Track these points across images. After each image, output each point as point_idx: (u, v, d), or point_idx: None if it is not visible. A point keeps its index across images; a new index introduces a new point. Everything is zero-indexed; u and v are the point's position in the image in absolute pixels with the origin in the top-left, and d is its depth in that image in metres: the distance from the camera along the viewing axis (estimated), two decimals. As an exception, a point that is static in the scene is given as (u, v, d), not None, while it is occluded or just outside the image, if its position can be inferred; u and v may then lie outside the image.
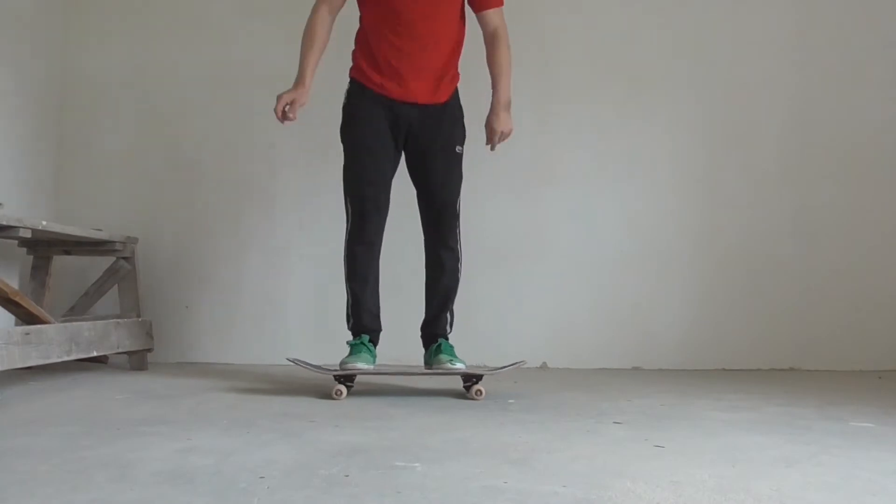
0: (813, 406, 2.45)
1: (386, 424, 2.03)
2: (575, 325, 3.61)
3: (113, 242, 3.17)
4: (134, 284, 3.29)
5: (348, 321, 2.69)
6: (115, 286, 3.31)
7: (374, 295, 2.69)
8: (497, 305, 3.64)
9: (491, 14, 2.70)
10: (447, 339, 2.72)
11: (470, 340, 3.50)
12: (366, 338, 2.64)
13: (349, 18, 2.74)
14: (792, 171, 3.68)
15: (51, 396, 2.48)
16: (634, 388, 2.89)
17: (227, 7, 3.75)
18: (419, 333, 2.78)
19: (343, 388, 2.48)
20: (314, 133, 3.41)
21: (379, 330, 2.73)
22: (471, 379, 2.57)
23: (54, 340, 2.53)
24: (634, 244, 3.66)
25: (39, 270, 3.25)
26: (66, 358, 2.61)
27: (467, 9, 2.74)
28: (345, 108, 2.70)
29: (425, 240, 2.73)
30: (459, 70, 2.74)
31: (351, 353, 2.60)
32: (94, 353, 2.85)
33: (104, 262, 3.34)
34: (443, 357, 2.63)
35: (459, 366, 2.58)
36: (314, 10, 2.65)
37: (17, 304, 2.74)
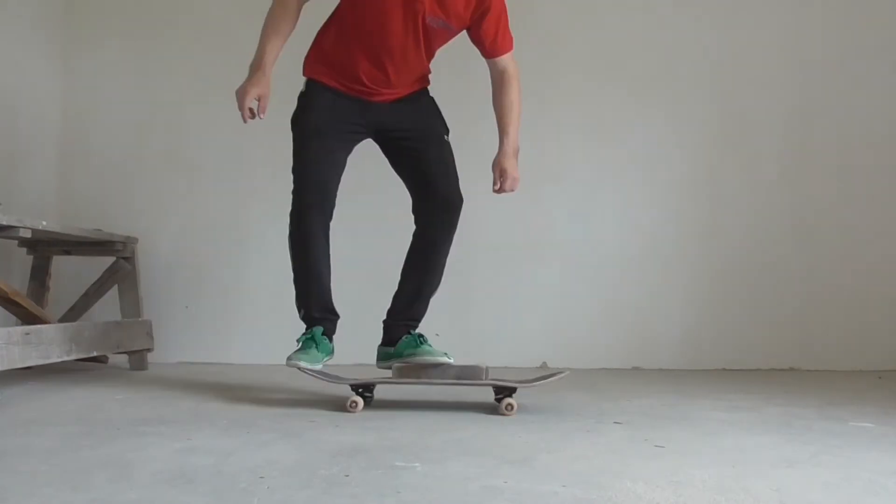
0: (813, 406, 2.45)
1: (386, 424, 2.03)
2: (575, 325, 3.61)
3: (113, 242, 3.17)
4: (134, 284, 3.29)
5: (298, 311, 2.48)
6: (115, 286, 3.31)
7: (325, 281, 2.45)
8: (497, 305, 3.64)
9: (503, 59, 2.49)
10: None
11: (470, 340, 3.51)
12: (319, 330, 2.41)
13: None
14: (792, 171, 3.68)
15: (51, 396, 2.47)
16: (634, 388, 2.89)
17: (227, 7, 3.75)
18: (424, 321, 2.54)
19: (359, 401, 2.25)
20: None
21: (334, 318, 2.49)
22: (502, 391, 2.31)
23: (54, 340, 2.53)
24: (635, 244, 3.66)
25: (39, 270, 3.25)
26: (66, 358, 2.61)
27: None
28: (302, 96, 2.50)
29: (421, 225, 2.50)
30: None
31: (299, 349, 2.37)
32: (94, 353, 2.85)
33: (104, 262, 3.34)
34: (428, 350, 2.36)
35: (451, 360, 2.35)
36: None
37: (17, 304, 2.75)
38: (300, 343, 2.39)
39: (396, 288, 2.53)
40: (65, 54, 3.72)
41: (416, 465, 1.57)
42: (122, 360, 3.30)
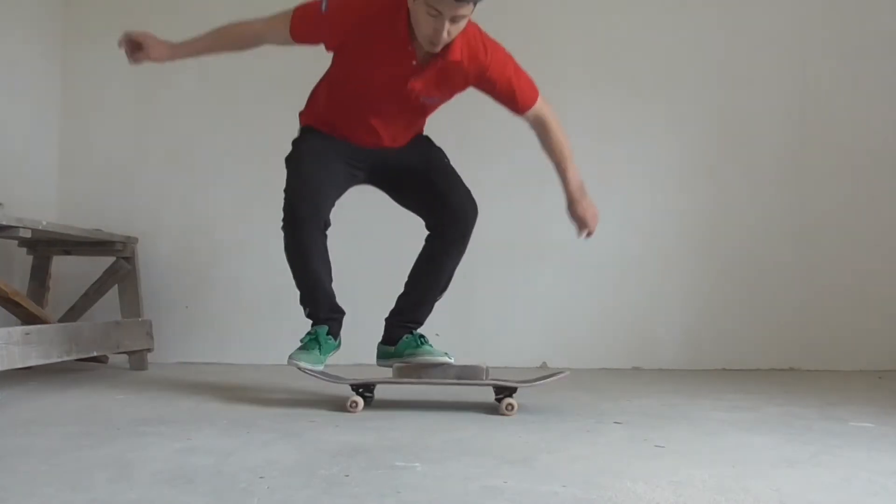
0: (813, 406, 2.45)
1: (386, 424, 2.03)
2: (575, 325, 3.61)
3: (113, 242, 3.17)
4: (134, 284, 3.29)
5: (304, 310, 2.45)
6: (115, 286, 3.31)
7: (327, 283, 2.43)
8: (497, 305, 3.64)
9: (534, 109, 2.43)
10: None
11: (470, 340, 3.51)
12: (323, 330, 2.38)
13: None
14: (792, 171, 3.68)
15: (51, 396, 2.47)
16: (635, 388, 2.89)
17: (227, 7, 3.74)
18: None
19: (359, 400, 2.25)
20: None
21: (339, 316, 2.46)
22: (502, 391, 2.31)
23: (54, 340, 2.53)
24: (635, 245, 3.66)
25: (39, 270, 3.25)
26: (66, 358, 2.61)
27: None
28: (296, 140, 2.48)
29: (435, 234, 2.48)
30: None
31: (301, 348, 2.35)
32: (94, 353, 2.85)
33: (104, 262, 3.34)
34: (429, 350, 2.36)
35: (451, 360, 2.34)
36: (251, 26, 2.38)
37: (17, 304, 2.75)
38: (303, 342, 2.38)
39: (402, 290, 2.53)
40: (64, 54, 3.72)
41: (416, 465, 1.57)
42: (122, 360, 3.30)
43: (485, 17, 3.63)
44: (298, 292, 2.44)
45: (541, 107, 2.43)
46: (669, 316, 3.64)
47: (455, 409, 2.34)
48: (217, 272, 3.66)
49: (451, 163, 2.53)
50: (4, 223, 2.35)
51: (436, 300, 2.54)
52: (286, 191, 2.37)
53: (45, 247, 3.21)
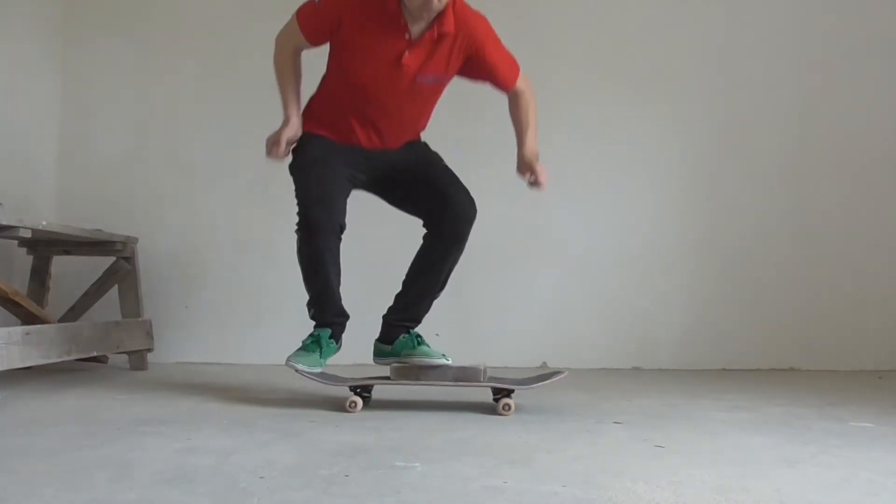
0: (813, 406, 2.45)
1: (386, 424, 2.03)
2: (575, 325, 3.61)
3: (113, 242, 3.17)
4: (134, 284, 3.29)
5: (308, 311, 2.46)
6: (115, 286, 3.31)
7: (336, 289, 2.43)
8: (497, 305, 3.64)
9: (519, 83, 2.46)
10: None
11: (470, 340, 3.51)
12: (326, 333, 2.38)
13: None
14: (792, 171, 3.68)
15: (51, 396, 2.47)
16: (635, 388, 2.89)
17: (227, 7, 3.75)
18: (423, 321, 2.53)
19: (358, 401, 2.26)
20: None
21: (343, 320, 2.46)
22: (500, 392, 2.32)
23: (54, 340, 2.53)
24: (635, 244, 3.66)
25: (39, 270, 3.25)
26: (66, 358, 2.61)
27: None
28: (296, 147, 2.46)
29: (434, 233, 2.48)
30: None
31: (300, 350, 2.36)
32: (94, 353, 2.85)
33: (104, 262, 3.34)
34: (426, 351, 2.37)
35: (449, 361, 2.34)
36: (283, 46, 2.43)
37: (17, 304, 2.75)
38: (304, 343, 2.38)
39: (400, 288, 2.53)
40: (64, 54, 3.71)
41: (416, 465, 1.57)
42: (122, 360, 3.30)
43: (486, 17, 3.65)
44: (307, 294, 2.44)
45: (523, 80, 2.47)
46: (669, 316, 3.63)
47: (455, 409, 2.34)
48: (217, 272, 3.66)
49: (450, 166, 2.53)
50: (4, 223, 2.35)
51: (434, 299, 2.54)
52: (299, 197, 2.38)
53: (45, 247, 3.21)
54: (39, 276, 3.24)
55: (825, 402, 2.54)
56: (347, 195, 2.44)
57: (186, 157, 3.70)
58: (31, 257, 3.26)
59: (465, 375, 2.34)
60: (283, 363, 2.33)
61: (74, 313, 3.28)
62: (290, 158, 2.44)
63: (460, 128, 3.40)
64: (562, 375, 2.39)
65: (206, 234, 3.67)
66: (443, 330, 3.56)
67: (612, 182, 3.69)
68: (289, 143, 2.39)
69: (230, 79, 3.70)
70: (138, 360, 3.25)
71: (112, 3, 3.76)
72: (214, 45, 3.71)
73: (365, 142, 2.44)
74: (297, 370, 2.30)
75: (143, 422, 2.02)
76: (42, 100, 3.60)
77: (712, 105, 3.70)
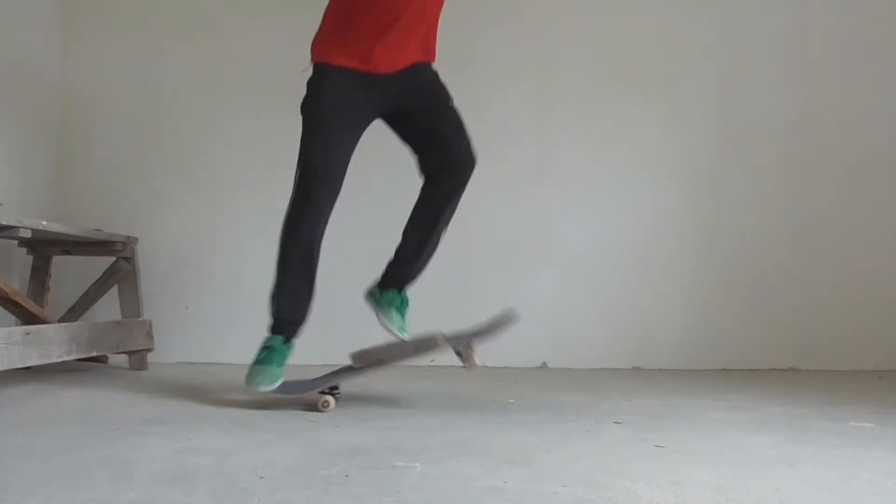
0: (813, 406, 2.45)
1: (386, 424, 2.03)
2: (575, 325, 3.61)
3: (113, 242, 3.17)
4: (134, 284, 3.29)
5: (273, 308, 2.42)
6: (115, 286, 3.31)
7: (314, 289, 2.42)
8: (497, 305, 3.62)
9: None
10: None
11: (470, 340, 3.51)
12: (280, 340, 2.38)
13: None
14: (793, 171, 3.68)
15: (51, 396, 2.47)
16: (634, 388, 2.89)
17: (227, 7, 3.75)
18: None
19: (330, 400, 2.29)
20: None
21: (302, 322, 2.43)
22: (459, 345, 2.36)
23: (54, 340, 2.53)
24: (635, 244, 3.66)
25: (39, 270, 3.25)
26: (66, 358, 2.61)
27: None
28: (311, 83, 2.42)
29: (432, 184, 2.47)
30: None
31: (257, 365, 2.36)
32: (94, 353, 2.85)
33: (104, 262, 3.34)
34: (392, 319, 2.40)
35: (405, 336, 2.39)
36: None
37: (17, 304, 2.74)
38: (259, 359, 2.37)
39: (398, 245, 2.51)
40: (64, 53, 3.72)
41: (416, 465, 1.57)
42: (122, 360, 3.30)
43: (484, 16, 3.65)
44: (277, 288, 2.40)
45: None
46: (669, 316, 3.63)
47: (455, 408, 2.34)
48: (217, 272, 3.66)
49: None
50: (4, 223, 2.35)
51: (430, 257, 2.52)
52: (303, 161, 2.36)
53: (45, 247, 3.21)
54: (39, 276, 3.24)
55: (825, 402, 2.54)
56: (350, 157, 2.41)
57: (186, 157, 3.70)
58: (31, 257, 3.26)
59: (423, 346, 2.36)
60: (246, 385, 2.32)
61: (74, 313, 3.28)
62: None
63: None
64: (511, 319, 2.42)
65: (206, 234, 3.67)
66: (443, 329, 3.56)
67: (612, 182, 3.69)
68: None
69: (230, 79, 3.70)
70: (138, 360, 3.25)
71: (112, 2, 3.76)
72: (214, 45, 3.71)
73: (383, 59, 2.38)
74: (261, 391, 2.31)
75: (143, 422, 2.02)
76: (42, 99, 3.60)
77: (712, 105, 3.70)
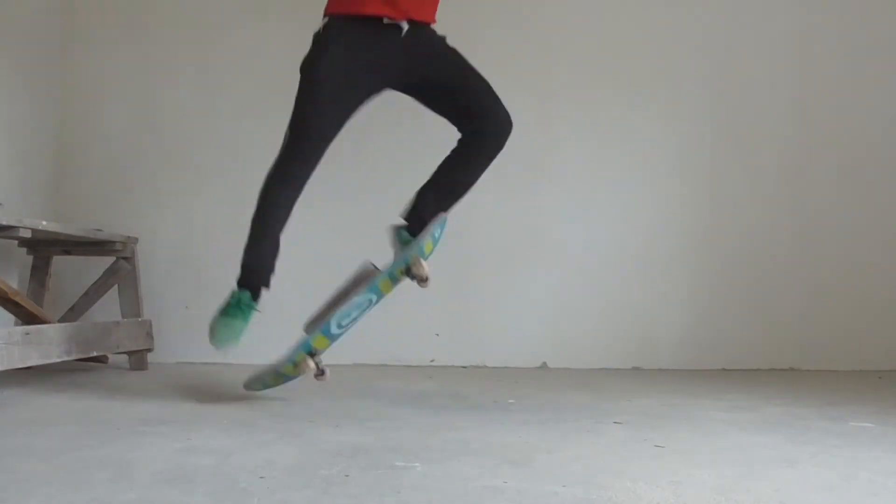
0: (813, 406, 2.45)
1: (386, 424, 2.03)
2: (575, 325, 3.61)
3: (113, 242, 3.17)
4: (134, 284, 3.29)
5: (244, 268, 2.49)
6: (115, 286, 3.32)
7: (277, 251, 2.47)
8: (497, 305, 3.64)
9: None
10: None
11: (470, 340, 3.51)
12: (247, 295, 2.43)
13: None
14: (793, 170, 3.68)
15: (51, 396, 2.47)
16: (634, 388, 2.89)
17: (227, 7, 3.75)
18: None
19: (323, 368, 2.37)
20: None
21: (266, 285, 2.48)
22: (409, 272, 2.40)
23: (54, 340, 2.53)
24: (635, 244, 3.66)
25: (39, 270, 3.25)
26: (66, 358, 2.61)
27: None
28: (317, 39, 2.38)
29: (473, 142, 2.47)
30: None
31: (225, 318, 2.40)
32: (94, 353, 2.85)
33: (104, 262, 3.34)
34: (391, 272, 2.41)
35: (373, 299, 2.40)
36: None
37: (17, 304, 2.74)
38: (227, 310, 2.41)
39: (425, 183, 2.50)
40: (64, 53, 3.71)
41: (416, 465, 1.57)
42: (122, 360, 3.30)
43: (483, 16, 3.65)
44: (248, 251, 2.47)
45: None
46: (669, 316, 3.63)
47: (455, 408, 2.34)
48: (217, 272, 3.64)
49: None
50: (4, 223, 2.35)
51: (455, 200, 2.53)
52: (293, 122, 2.36)
53: (45, 247, 3.21)
54: (39, 276, 3.24)
55: (825, 402, 2.54)
56: (340, 128, 2.41)
57: (186, 157, 3.70)
58: (31, 257, 3.26)
59: (361, 279, 2.41)
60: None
61: (74, 313, 3.28)
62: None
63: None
64: (442, 218, 2.46)
65: (206, 234, 3.67)
66: (442, 330, 3.57)
67: (611, 182, 3.68)
68: None
69: (230, 79, 3.70)
70: (138, 360, 3.25)
71: (112, 2, 3.76)
72: (214, 45, 3.71)
73: (392, 16, 2.33)
74: (246, 387, 2.40)
75: (143, 422, 2.02)
76: (42, 100, 3.60)
77: (712, 105, 3.70)
